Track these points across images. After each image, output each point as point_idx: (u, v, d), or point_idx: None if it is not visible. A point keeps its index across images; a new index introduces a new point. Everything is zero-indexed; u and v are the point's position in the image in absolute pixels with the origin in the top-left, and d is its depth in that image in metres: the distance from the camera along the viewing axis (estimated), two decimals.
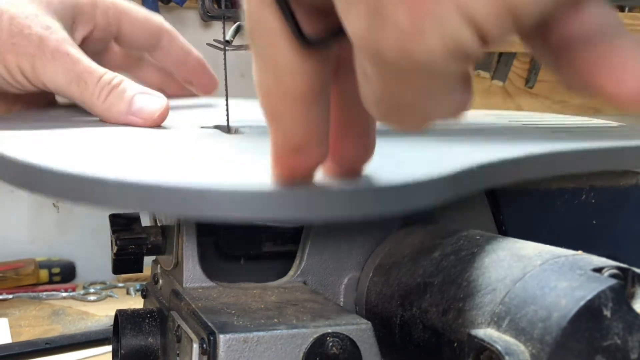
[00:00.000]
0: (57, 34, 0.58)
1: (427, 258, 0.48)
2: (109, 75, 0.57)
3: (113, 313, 1.09)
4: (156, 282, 0.57)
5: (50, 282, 1.33)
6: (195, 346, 0.41)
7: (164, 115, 0.55)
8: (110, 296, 1.25)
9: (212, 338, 0.39)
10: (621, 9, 1.69)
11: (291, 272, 0.52)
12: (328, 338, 0.41)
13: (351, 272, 0.53)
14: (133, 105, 0.56)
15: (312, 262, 0.51)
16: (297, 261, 0.52)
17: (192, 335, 0.41)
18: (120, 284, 1.32)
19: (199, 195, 0.29)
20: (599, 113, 1.75)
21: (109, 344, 0.89)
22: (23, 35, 0.56)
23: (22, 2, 0.58)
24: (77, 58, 0.57)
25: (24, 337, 0.97)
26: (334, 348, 0.41)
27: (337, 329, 0.41)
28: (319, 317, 0.43)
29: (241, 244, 0.54)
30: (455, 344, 0.41)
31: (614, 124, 0.78)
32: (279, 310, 0.44)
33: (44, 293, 1.25)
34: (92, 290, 1.27)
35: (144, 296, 0.61)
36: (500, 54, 1.64)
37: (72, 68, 0.56)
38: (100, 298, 1.23)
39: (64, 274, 1.35)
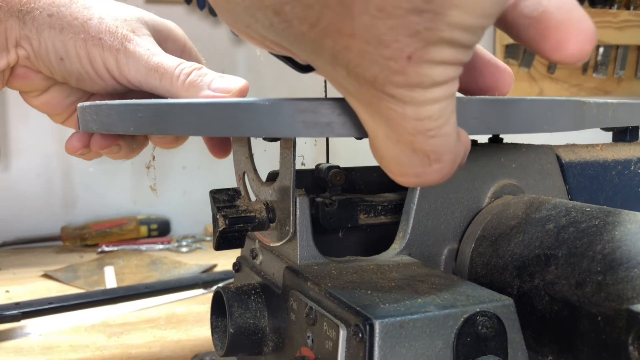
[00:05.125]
0: (141, 34, 0.53)
1: (540, 230, 0.41)
2: (185, 63, 0.51)
3: (202, 262, 1.13)
4: (254, 257, 0.50)
5: (149, 236, 1.39)
6: (343, 332, 0.34)
7: (243, 92, 0.48)
8: (199, 248, 1.29)
9: (367, 324, 0.32)
10: (626, 6, 1.73)
11: (395, 245, 0.45)
12: (478, 317, 0.34)
13: (450, 244, 0.46)
14: (212, 85, 0.48)
15: (416, 235, 0.45)
16: (400, 234, 0.45)
17: (337, 321, 0.34)
18: (208, 238, 1.37)
19: None
20: (608, 94, 1.75)
21: (198, 288, 0.93)
22: (110, 33, 0.51)
23: (117, 8, 0.54)
24: (156, 52, 0.52)
25: (127, 282, 1.00)
26: (484, 327, 0.34)
27: (483, 307, 0.34)
28: (458, 294, 0.36)
29: (340, 216, 0.47)
30: (599, 318, 0.35)
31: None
32: (412, 287, 0.37)
33: (144, 246, 1.30)
34: (184, 243, 1.31)
35: (236, 270, 0.53)
36: None
37: (151, 59, 0.51)
38: (191, 250, 1.27)
39: (161, 229, 1.41)
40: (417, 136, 0.28)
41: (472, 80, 0.39)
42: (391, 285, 0.37)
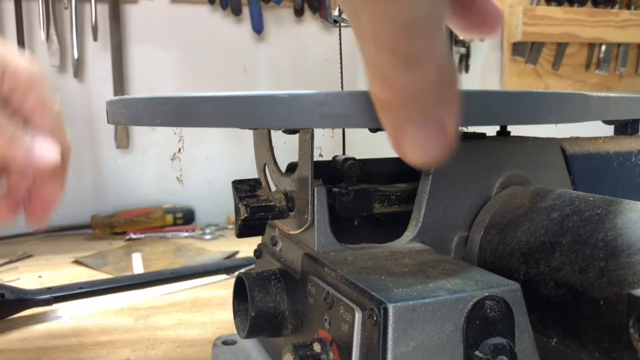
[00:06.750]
0: None
1: (545, 218, 0.42)
2: None
3: (225, 249, 1.13)
4: (274, 244, 0.50)
5: (175, 224, 1.39)
6: (358, 315, 0.34)
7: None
8: (222, 235, 1.29)
9: (382, 308, 0.32)
10: (627, 6, 1.73)
11: (408, 233, 0.45)
12: (486, 301, 0.34)
13: (460, 231, 0.47)
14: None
15: (428, 223, 0.45)
16: (413, 222, 0.45)
17: (353, 305, 0.35)
18: (230, 226, 1.37)
19: None
20: (610, 89, 1.75)
21: (221, 273, 0.93)
22: None
23: None
24: None
25: (154, 268, 1.01)
26: (492, 311, 0.34)
27: (492, 291, 0.35)
28: (467, 279, 0.36)
29: (355, 205, 0.47)
30: (602, 302, 0.35)
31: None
32: (424, 273, 0.37)
33: (170, 233, 1.31)
34: (207, 231, 1.32)
35: (257, 257, 0.54)
36: (532, 43, 1.69)
37: None
38: (214, 237, 1.28)
39: (186, 217, 1.41)
40: (399, 38, 0.27)
41: (463, 14, 0.38)
42: (404, 271, 0.38)
